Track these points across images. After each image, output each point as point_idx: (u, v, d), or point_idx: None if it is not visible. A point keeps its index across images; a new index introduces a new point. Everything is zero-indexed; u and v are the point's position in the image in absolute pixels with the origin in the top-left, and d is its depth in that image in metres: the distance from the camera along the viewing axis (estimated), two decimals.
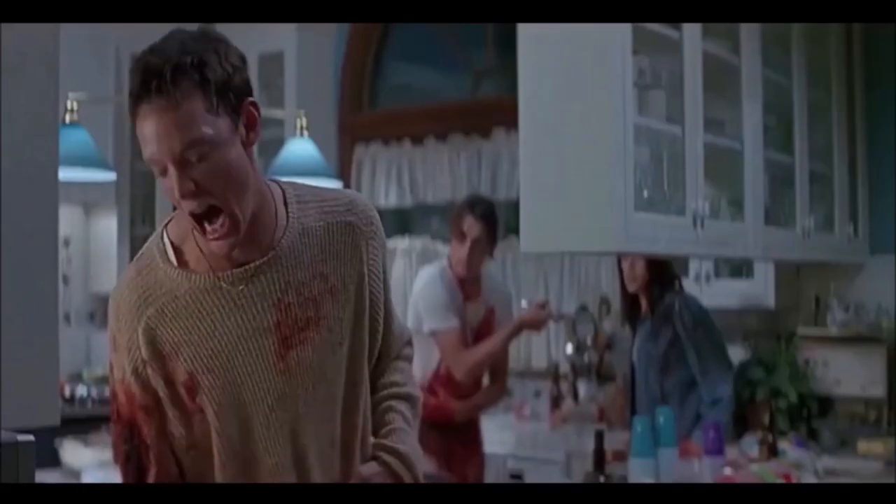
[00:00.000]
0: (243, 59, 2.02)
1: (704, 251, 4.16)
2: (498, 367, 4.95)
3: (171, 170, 1.94)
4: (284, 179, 4.91)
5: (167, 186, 1.97)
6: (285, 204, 2.13)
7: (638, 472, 3.61)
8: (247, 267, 2.07)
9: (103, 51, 6.72)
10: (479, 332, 4.80)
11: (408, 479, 2.21)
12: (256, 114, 2.01)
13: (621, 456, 3.86)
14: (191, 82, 1.90)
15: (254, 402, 2.09)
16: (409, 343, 2.43)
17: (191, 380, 2.08)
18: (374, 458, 2.22)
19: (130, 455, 2.13)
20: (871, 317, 5.26)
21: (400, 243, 6.92)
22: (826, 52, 5.10)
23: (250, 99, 2.00)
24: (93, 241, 7.21)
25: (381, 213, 7.40)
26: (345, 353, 2.15)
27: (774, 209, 4.63)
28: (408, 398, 2.33)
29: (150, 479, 2.12)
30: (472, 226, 4.63)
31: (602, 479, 3.17)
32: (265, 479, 2.12)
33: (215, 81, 1.92)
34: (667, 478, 3.62)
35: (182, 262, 2.10)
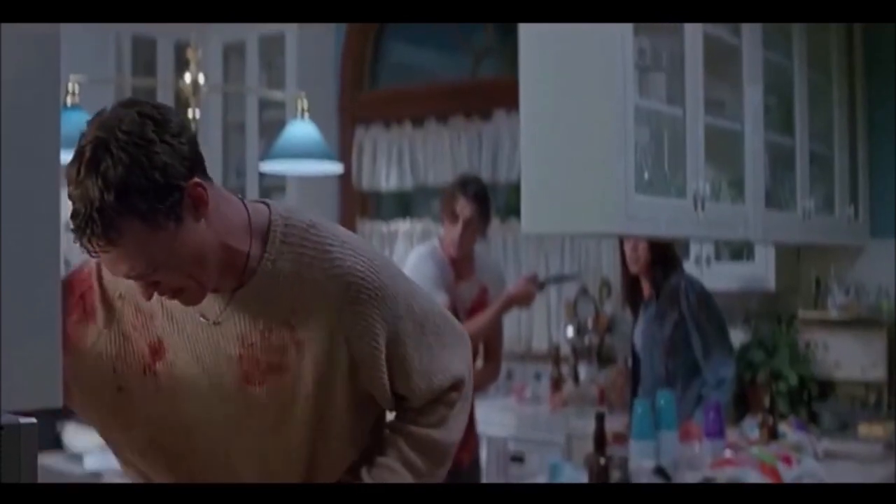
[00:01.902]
0: (177, 133, 1.86)
1: (705, 233, 4.16)
2: (491, 346, 4.92)
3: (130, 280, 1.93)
4: (283, 160, 4.87)
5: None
6: (266, 240, 2.02)
7: (638, 454, 3.62)
8: (220, 297, 2.02)
9: (103, 32, 6.70)
10: (472, 311, 4.74)
11: None
12: (203, 192, 1.89)
13: (622, 438, 3.87)
14: (120, 219, 1.80)
15: (211, 406, 2.06)
16: (455, 388, 2.22)
17: (158, 344, 2.05)
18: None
19: None
20: (872, 299, 5.26)
21: (401, 226, 6.93)
22: (827, 33, 5.10)
23: (192, 182, 1.87)
24: None
25: (382, 195, 7.45)
26: (310, 406, 2.05)
27: (775, 191, 4.63)
28: (422, 440, 2.17)
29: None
30: (464, 206, 4.58)
31: (602, 461, 3.18)
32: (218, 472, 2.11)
33: (147, 204, 1.81)
34: (667, 460, 3.63)
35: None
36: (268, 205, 2.07)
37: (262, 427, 2.06)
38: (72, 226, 1.83)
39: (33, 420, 1.49)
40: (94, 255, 1.85)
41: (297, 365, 2.02)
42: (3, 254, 1.44)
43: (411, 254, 4.96)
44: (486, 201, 4.68)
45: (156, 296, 1.98)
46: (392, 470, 2.13)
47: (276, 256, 2.00)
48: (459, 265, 4.72)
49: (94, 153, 1.81)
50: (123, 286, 2.05)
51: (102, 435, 2.19)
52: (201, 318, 2.03)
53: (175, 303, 2.02)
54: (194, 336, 2.05)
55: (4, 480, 1.45)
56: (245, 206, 2.04)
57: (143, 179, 1.79)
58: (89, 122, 1.87)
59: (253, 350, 2.02)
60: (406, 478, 2.14)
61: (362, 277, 2.03)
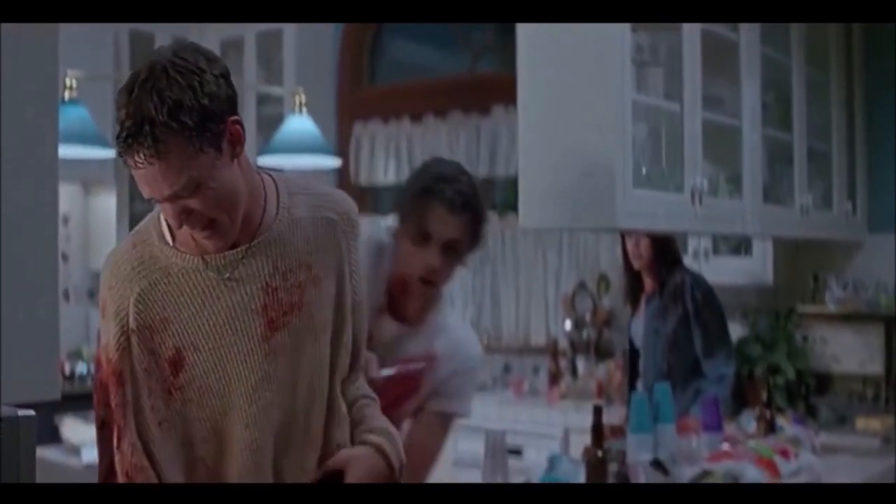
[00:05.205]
0: (223, 75, 2.03)
1: (703, 228, 4.17)
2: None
3: (164, 204, 2.03)
4: (281, 155, 4.91)
5: (163, 210, 2.07)
6: (277, 194, 2.21)
7: (636, 447, 3.62)
8: (236, 251, 2.14)
9: (101, 27, 6.70)
10: (395, 383, 2.80)
11: (395, 459, 2.27)
12: (240, 129, 2.05)
13: (619, 431, 3.87)
14: (169, 134, 1.93)
15: (238, 379, 2.14)
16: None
17: (177, 354, 2.13)
18: (363, 442, 2.27)
19: (105, 421, 2.16)
20: (870, 294, 5.28)
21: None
22: (825, 29, 5.10)
23: (232, 118, 2.03)
24: (92, 218, 7.21)
25: (380, 190, 7.45)
26: (326, 341, 2.22)
27: (773, 186, 4.64)
28: (376, 401, 2.39)
29: (116, 446, 2.15)
30: (445, 222, 2.79)
31: (600, 454, 3.18)
32: (242, 455, 2.16)
33: (194, 123, 1.94)
34: (665, 453, 3.64)
35: (176, 242, 2.16)
36: (264, 170, 2.27)
37: (285, 371, 2.17)
38: (119, 143, 1.96)
39: (32, 412, 1.50)
40: (138, 168, 1.96)
41: (314, 300, 2.19)
42: (4, 250, 1.45)
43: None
44: (479, 210, 2.85)
45: (163, 301, 2.11)
46: (390, 430, 2.31)
47: (289, 205, 2.20)
48: (405, 305, 2.91)
49: (150, 74, 1.95)
50: (124, 323, 2.13)
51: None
52: (222, 277, 2.13)
53: (188, 291, 2.12)
54: (216, 309, 2.13)
55: (3, 471, 1.47)
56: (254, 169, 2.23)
57: (194, 101, 1.95)
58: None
59: (276, 294, 2.15)
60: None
61: (357, 214, 2.32)
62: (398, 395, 2.77)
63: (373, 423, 2.30)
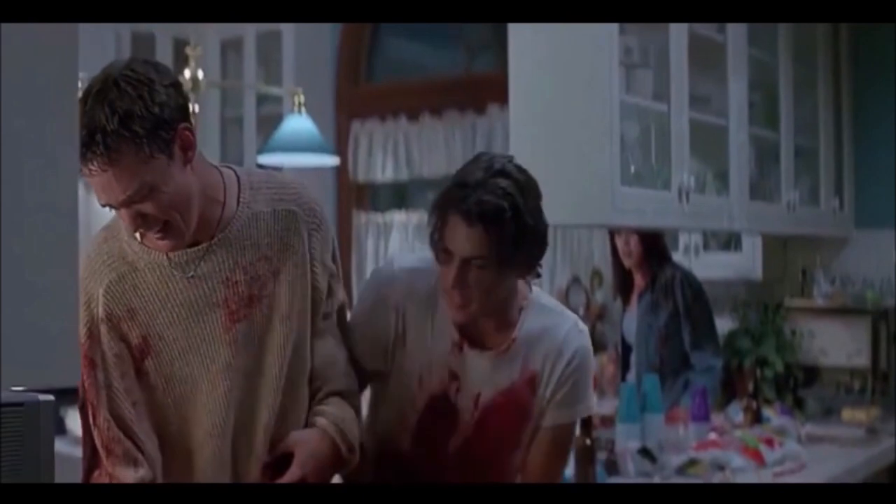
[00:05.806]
0: (174, 84, 2.14)
1: (690, 224, 4.25)
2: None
3: (120, 210, 2.14)
4: (280, 154, 4.96)
5: (120, 215, 2.18)
6: (239, 190, 2.29)
7: (624, 435, 3.73)
8: (198, 248, 2.24)
9: (103, 30, 6.77)
10: (496, 409, 2.49)
11: (340, 442, 2.33)
12: (191, 136, 2.15)
13: (610, 421, 3.97)
14: (121, 141, 2.03)
15: (201, 368, 2.25)
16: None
17: (143, 342, 2.24)
18: (312, 424, 2.34)
19: (84, 401, 2.27)
20: (857, 289, 5.36)
21: (396, 217, 7.03)
22: (812, 27, 5.18)
23: (182, 125, 2.12)
24: (93, 215, 7.28)
25: (378, 187, 7.41)
26: (291, 329, 2.29)
27: (760, 183, 4.72)
28: (342, 400, 2.40)
29: (93, 423, 2.25)
30: (462, 236, 2.30)
31: (588, 442, 3.28)
32: (205, 440, 2.27)
33: (145, 131, 2.04)
34: (652, 442, 3.73)
35: (144, 238, 2.25)
36: (229, 166, 2.36)
37: (245, 360, 2.26)
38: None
39: (51, 397, 1.59)
40: (92, 176, 2.07)
41: (274, 292, 2.27)
42: (25, 235, 1.53)
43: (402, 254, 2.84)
44: (510, 222, 2.31)
45: (130, 293, 2.23)
46: (338, 414, 2.36)
47: (250, 200, 2.29)
48: (467, 331, 2.46)
49: (103, 86, 2.06)
50: (94, 312, 2.24)
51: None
52: (185, 275, 2.23)
53: (153, 285, 2.23)
54: (179, 303, 2.24)
55: (25, 455, 1.55)
56: (215, 167, 2.32)
57: (144, 110, 2.05)
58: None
59: (237, 287, 2.25)
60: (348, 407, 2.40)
61: (321, 207, 2.39)
62: (503, 430, 2.49)
63: (323, 406, 2.35)
